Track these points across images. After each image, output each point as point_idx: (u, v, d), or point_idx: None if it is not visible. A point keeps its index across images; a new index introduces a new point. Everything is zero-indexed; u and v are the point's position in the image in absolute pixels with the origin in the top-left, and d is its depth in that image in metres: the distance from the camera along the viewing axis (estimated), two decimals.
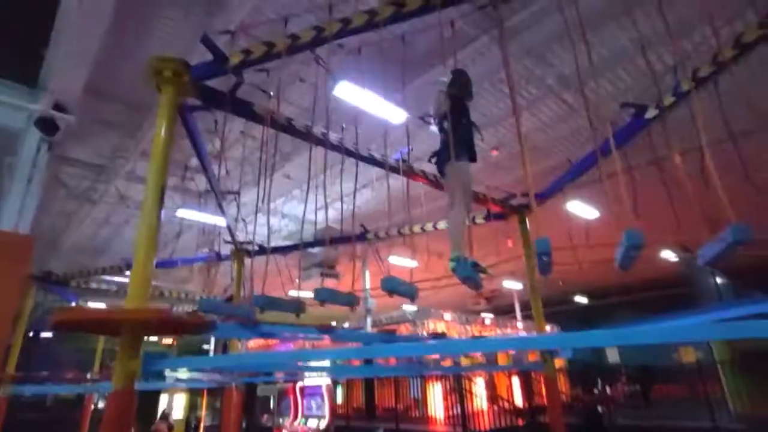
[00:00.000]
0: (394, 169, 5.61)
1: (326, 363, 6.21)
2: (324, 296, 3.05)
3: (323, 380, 10.40)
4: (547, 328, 18.03)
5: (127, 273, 10.50)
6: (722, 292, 13.45)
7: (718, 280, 13.82)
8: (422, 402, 10.32)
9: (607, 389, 12.17)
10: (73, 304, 9.36)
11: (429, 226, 7.62)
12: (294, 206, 10.55)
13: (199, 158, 4.80)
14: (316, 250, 11.68)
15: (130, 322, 2.82)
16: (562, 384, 12.94)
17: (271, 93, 4.20)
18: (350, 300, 3.25)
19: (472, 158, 3.31)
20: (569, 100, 6.84)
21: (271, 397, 11.20)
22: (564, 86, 6.60)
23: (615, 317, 19.33)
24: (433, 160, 3.39)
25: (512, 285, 17.09)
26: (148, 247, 3.17)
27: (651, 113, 4.51)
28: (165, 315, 2.78)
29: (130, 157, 7.55)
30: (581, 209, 9.33)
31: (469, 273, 2.67)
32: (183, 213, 8.42)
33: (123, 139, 7.47)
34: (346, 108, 5.71)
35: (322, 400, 10.16)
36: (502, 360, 11.60)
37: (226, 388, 13.47)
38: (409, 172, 5.45)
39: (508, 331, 15.57)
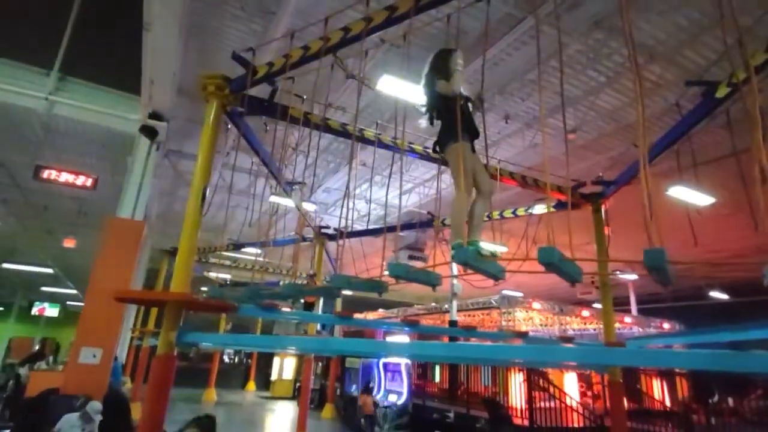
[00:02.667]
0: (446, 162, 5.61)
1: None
2: (399, 272, 2.73)
3: (402, 360, 10.84)
4: (666, 325, 16.12)
5: (235, 249, 12.09)
6: None
7: None
8: (503, 392, 10.15)
9: (730, 401, 10.50)
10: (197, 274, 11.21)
11: (508, 213, 7.43)
12: (376, 192, 10.96)
13: (257, 154, 5.36)
14: (404, 233, 12.00)
15: (166, 302, 3.44)
16: (682, 390, 11.55)
17: (305, 96, 4.49)
18: (430, 278, 2.88)
19: (473, 136, 3.15)
20: (656, 72, 5.99)
21: (359, 369, 12.01)
22: (648, 57, 5.80)
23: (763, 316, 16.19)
24: (437, 148, 3.27)
25: (627, 276, 15.52)
26: (191, 241, 3.77)
27: (722, 92, 3.84)
28: (189, 299, 3.34)
29: (222, 151, 8.61)
30: (690, 195, 8.09)
31: (467, 258, 2.50)
32: (274, 199, 9.37)
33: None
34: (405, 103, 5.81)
35: (401, 378, 10.61)
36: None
37: (332, 358, 14.84)
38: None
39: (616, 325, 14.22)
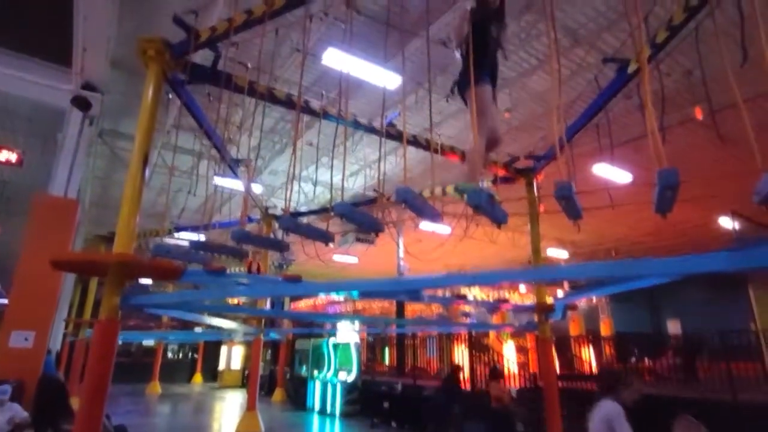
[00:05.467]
0: (391, 136, 5.82)
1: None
2: (344, 210, 2.84)
3: (352, 338, 11.08)
4: (594, 299, 17.53)
5: (177, 234, 11.73)
6: None
7: None
8: (447, 362, 10.67)
9: (647, 361, 11.69)
10: None
11: (450, 189, 7.78)
12: (323, 174, 11.01)
13: (201, 127, 5.29)
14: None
15: (111, 264, 3.40)
16: (609, 353, 12.66)
17: (249, 65, 4.51)
18: (373, 223, 3.00)
19: (494, 82, 3.12)
20: (581, 54, 6.52)
21: (309, 351, 12.11)
22: (573, 40, 6.30)
23: (682, 294, 17.64)
24: (455, 89, 3.22)
25: (557, 253, 16.64)
26: (133, 204, 3.72)
27: (632, 67, 4.32)
28: (134, 258, 3.33)
29: (162, 129, 8.33)
30: (612, 172, 8.87)
31: (480, 201, 2.51)
32: (219, 181, 9.19)
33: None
34: (350, 78, 5.93)
35: (351, 355, 10.85)
36: (497, 320, 11.57)
37: (281, 342, 14.79)
38: (396, 137, 5.60)
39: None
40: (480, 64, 2.91)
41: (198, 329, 17.18)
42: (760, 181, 1.71)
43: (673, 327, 18.42)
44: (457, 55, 3.09)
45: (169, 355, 21.46)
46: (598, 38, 6.27)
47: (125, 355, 18.79)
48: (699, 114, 6.77)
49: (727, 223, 12.24)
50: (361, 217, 2.81)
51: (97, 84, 5.96)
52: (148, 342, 19.12)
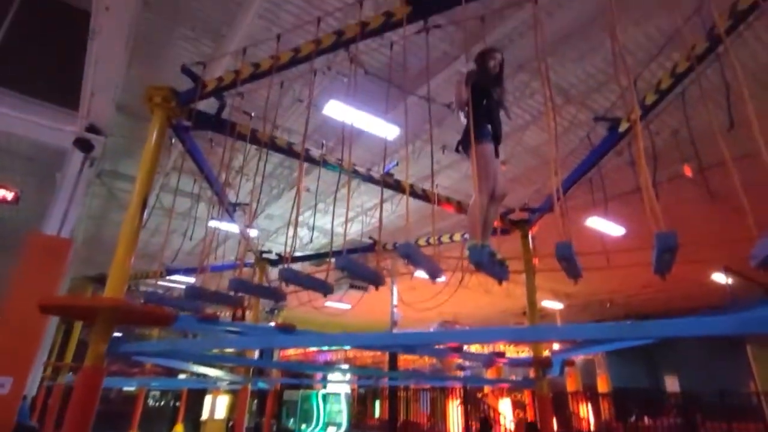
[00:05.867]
0: (389, 186, 5.92)
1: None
2: (346, 263, 2.74)
3: (343, 389, 10.69)
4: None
5: (168, 277, 11.55)
6: None
7: None
8: (441, 418, 10.28)
9: (646, 419, 11.33)
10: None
11: (445, 238, 7.81)
12: (320, 219, 11.05)
13: (202, 172, 5.35)
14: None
15: (100, 309, 3.32)
16: (606, 411, 12.26)
17: (252, 114, 4.64)
18: (374, 277, 2.89)
19: (497, 140, 3.20)
20: (572, 111, 6.77)
21: (297, 403, 11.64)
22: (565, 99, 6.57)
23: (680, 350, 17.39)
24: (460, 148, 3.33)
25: (552, 304, 16.49)
26: (128, 247, 3.69)
27: (623, 126, 4.48)
28: (126, 304, 3.26)
29: (162, 171, 8.41)
30: (604, 226, 8.99)
31: (482, 259, 2.53)
32: (214, 223, 9.18)
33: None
34: (351, 128, 6.11)
35: (341, 408, 10.44)
36: (493, 373, 11.26)
37: (269, 391, 14.24)
38: (395, 186, 5.69)
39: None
40: (482, 123, 3.04)
41: (182, 376, 16.51)
42: (757, 245, 1.74)
43: (671, 383, 18.00)
44: (462, 117, 3.22)
45: (150, 402, 20.48)
46: (588, 98, 6.55)
47: (104, 402, 17.80)
48: (688, 171, 6.96)
49: (720, 278, 12.29)
50: (363, 271, 2.80)
51: (100, 127, 6.08)
52: (129, 388, 18.29)
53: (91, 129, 5.90)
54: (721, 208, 7.97)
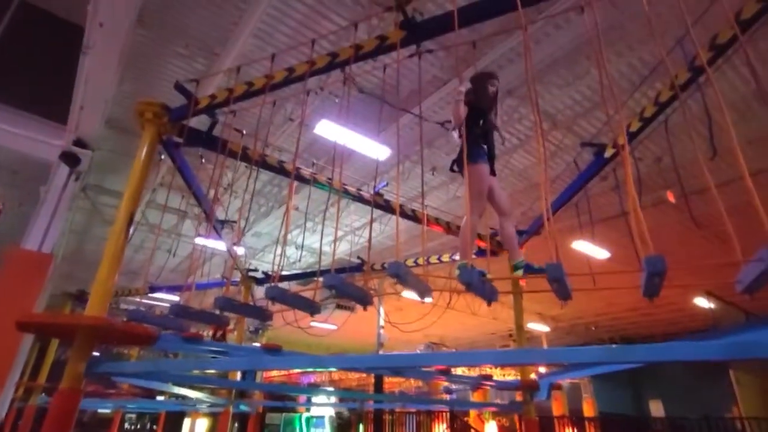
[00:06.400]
0: (379, 206, 5.94)
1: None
2: (334, 282, 2.60)
3: (327, 412, 10.46)
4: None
5: (151, 294, 11.31)
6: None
7: None
8: None
9: None
10: None
11: (434, 259, 7.81)
12: (309, 237, 10.99)
13: (190, 188, 5.31)
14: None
15: (80, 327, 3.22)
16: None
17: (244, 131, 4.64)
18: (362, 296, 2.81)
19: (491, 160, 3.22)
20: (558, 136, 6.92)
21: (280, 426, 11.33)
22: (551, 124, 6.72)
23: (663, 374, 17.40)
24: (455, 167, 3.32)
25: (539, 327, 16.50)
26: (113, 263, 3.62)
27: (609, 152, 4.58)
28: (108, 322, 3.16)
29: (149, 187, 8.33)
30: (590, 249, 9.09)
31: (471, 280, 2.47)
32: (200, 241, 9.07)
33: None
34: (342, 148, 6.15)
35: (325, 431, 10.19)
36: (478, 397, 11.17)
37: (250, 414, 13.85)
38: (385, 206, 5.71)
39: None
40: (477, 144, 3.08)
41: (160, 398, 15.98)
42: (742, 270, 1.78)
43: (656, 408, 17.98)
44: (455, 136, 3.23)
45: (126, 425, 19.73)
46: (575, 123, 6.71)
47: (78, 426, 17.11)
48: (671, 197, 7.12)
49: (702, 302, 12.47)
50: (351, 290, 2.76)
51: (88, 141, 6.01)
52: (104, 410, 17.60)
53: (79, 143, 5.84)
54: (704, 234, 8.14)
